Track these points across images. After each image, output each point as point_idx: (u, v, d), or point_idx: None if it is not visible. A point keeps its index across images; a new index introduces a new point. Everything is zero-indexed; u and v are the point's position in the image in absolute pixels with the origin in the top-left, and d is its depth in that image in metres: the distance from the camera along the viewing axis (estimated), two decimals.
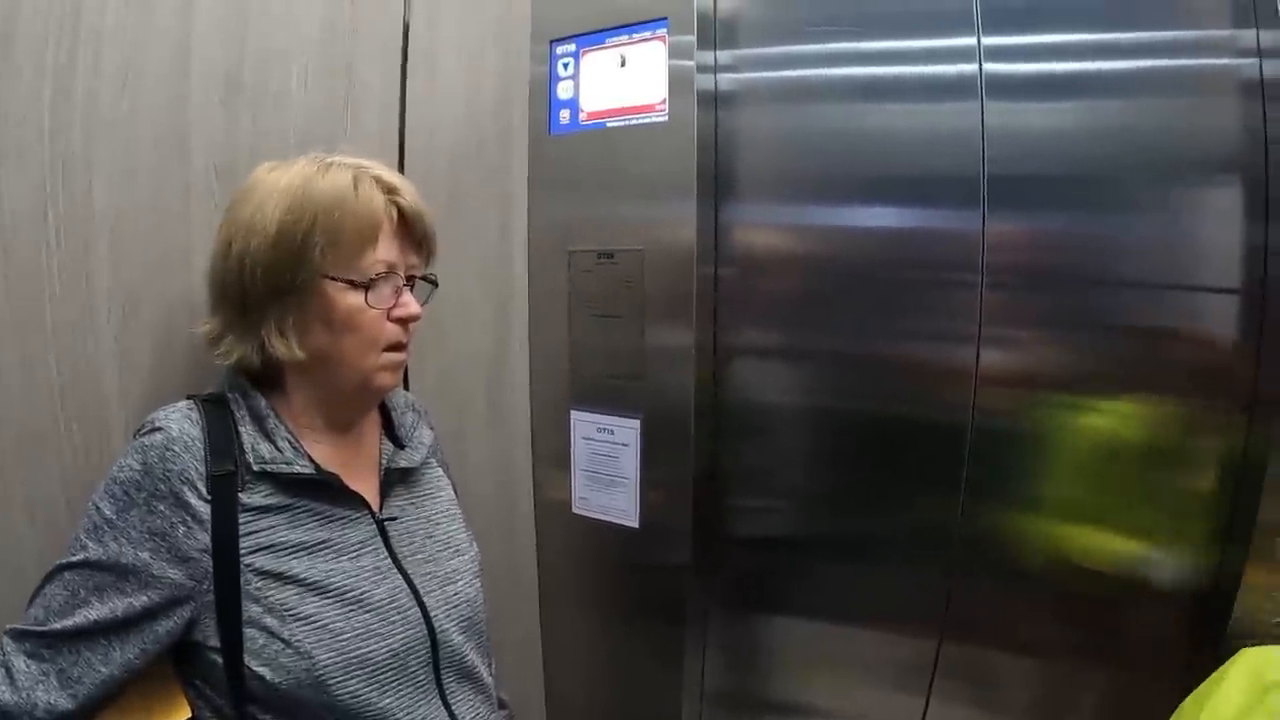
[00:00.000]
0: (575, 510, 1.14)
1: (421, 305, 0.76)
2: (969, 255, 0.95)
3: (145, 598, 0.62)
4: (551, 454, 1.15)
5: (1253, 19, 0.91)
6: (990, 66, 0.96)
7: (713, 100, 1.01)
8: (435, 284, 0.80)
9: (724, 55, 1.03)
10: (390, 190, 0.73)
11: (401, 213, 0.73)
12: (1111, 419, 0.95)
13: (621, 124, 1.05)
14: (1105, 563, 0.98)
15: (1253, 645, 0.74)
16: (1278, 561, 0.89)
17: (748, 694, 1.16)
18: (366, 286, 0.70)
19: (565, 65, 1.11)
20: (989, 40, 0.96)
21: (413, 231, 0.74)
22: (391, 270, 0.72)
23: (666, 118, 1.01)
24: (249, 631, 0.64)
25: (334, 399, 0.74)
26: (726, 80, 1.03)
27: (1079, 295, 0.95)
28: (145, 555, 0.62)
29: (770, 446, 1.06)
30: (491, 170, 1.15)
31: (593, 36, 1.09)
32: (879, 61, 1.00)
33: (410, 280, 0.75)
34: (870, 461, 1.03)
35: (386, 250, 0.71)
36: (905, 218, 0.99)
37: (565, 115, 1.10)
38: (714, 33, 1.02)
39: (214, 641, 0.65)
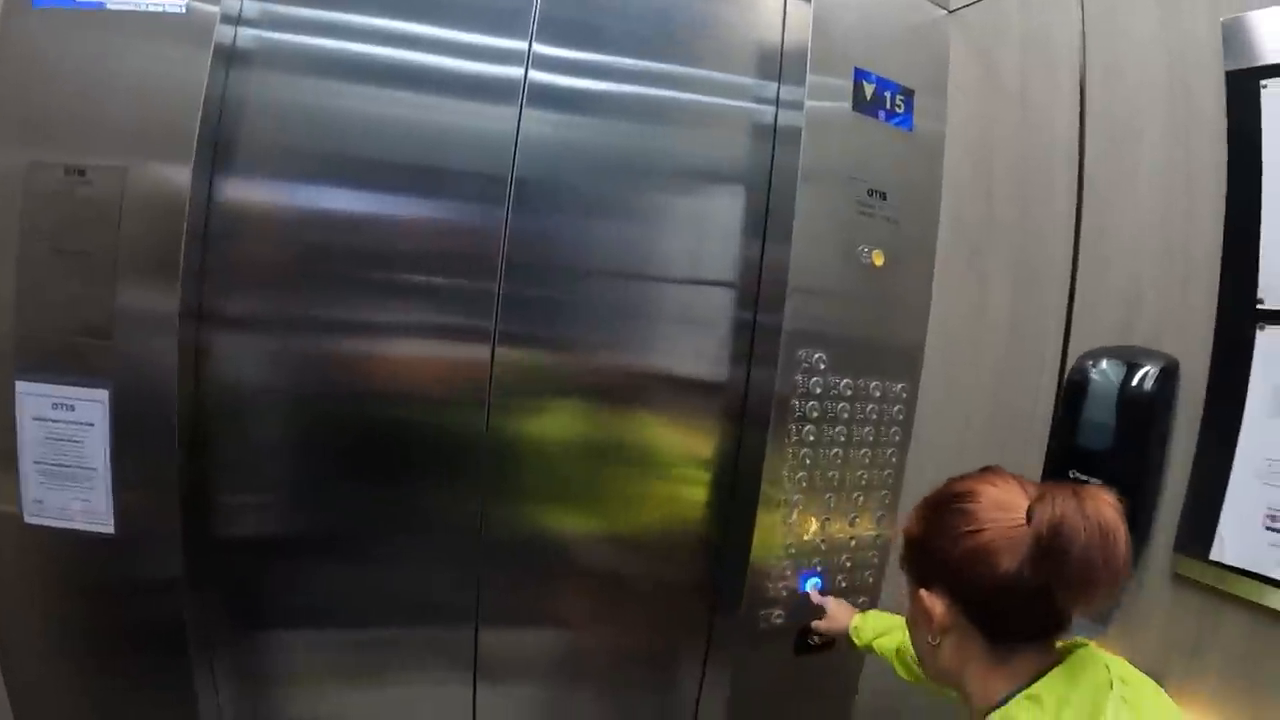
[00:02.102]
0: (29, 519, 0.84)
1: None
2: (489, 252, 0.93)
3: None
4: None
5: (776, 73, 1.04)
6: (536, 75, 0.96)
7: (228, 54, 0.85)
8: None
9: (250, 6, 0.88)
10: None
11: None
12: (617, 407, 1.01)
13: (128, 6, 0.81)
14: (622, 537, 1.04)
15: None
16: (785, 508, 1.01)
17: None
18: None
19: None
20: (540, 49, 0.96)
21: None
22: None
23: (184, 8, 0.81)
24: None
25: None
26: (248, 36, 0.88)
27: (599, 292, 0.99)
28: None
29: (272, 436, 0.92)
30: None
31: None
32: (425, 48, 0.94)
33: None
34: (385, 457, 0.95)
35: None
36: (424, 208, 0.93)
37: None
38: None
39: None
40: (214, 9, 0.82)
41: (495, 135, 0.93)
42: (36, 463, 0.83)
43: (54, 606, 0.88)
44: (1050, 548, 0.57)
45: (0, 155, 0.81)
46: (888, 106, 1.07)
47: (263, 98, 0.87)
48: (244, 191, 0.87)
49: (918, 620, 0.68)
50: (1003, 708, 0.61)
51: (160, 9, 0.82)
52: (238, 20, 0.86)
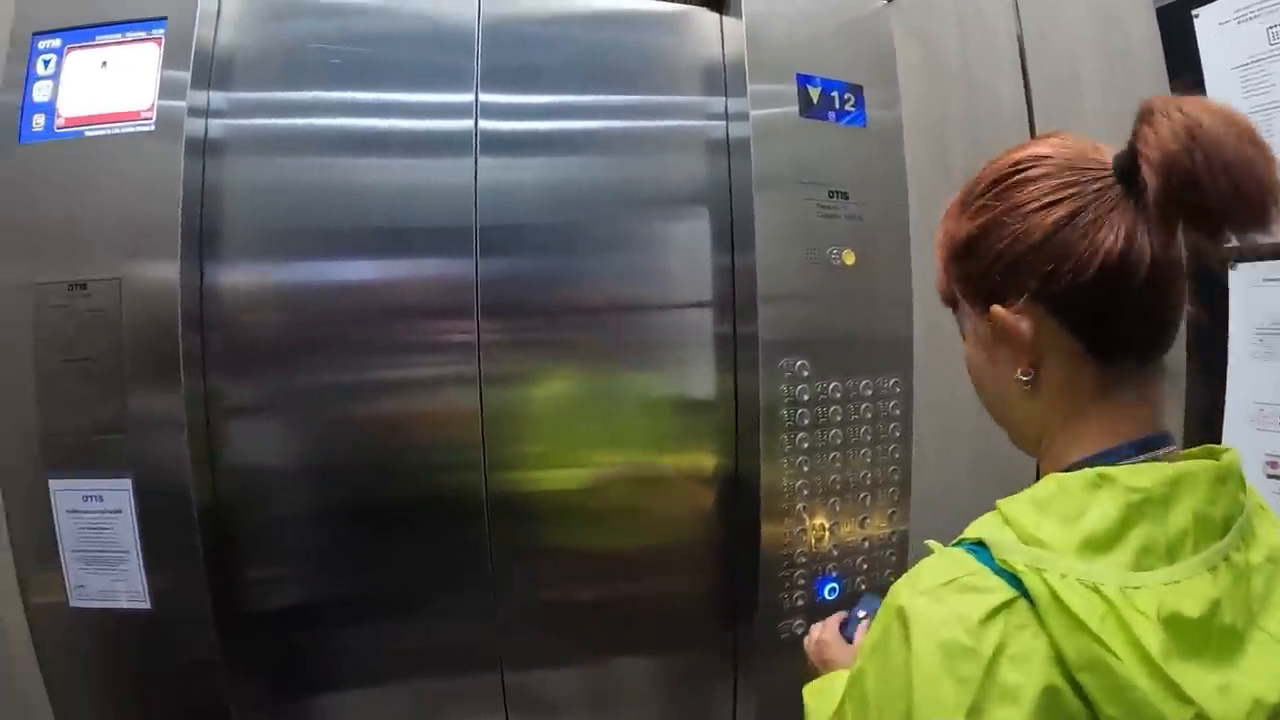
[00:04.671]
0: (74, 603, 0.91)
1: None
2: (464, 302, 0.97)
3: None
4: (34, 538, 0.90)
5: (722, 88, 1.07)
6: (486, 124, 1.00)
7: (201, 148, 0.92)
8: None
9: (217, 98, 0.95)
10: None
11: None
12: (610, 436, 1.02)
13: (102, 132, 0.90)
14: (635, 565, 1.05)
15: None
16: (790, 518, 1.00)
17: None
18: None
19: (46, 63, 0.92)
20: (486, 98, 1.00)
21: None
22: None
23: (153, 126, 0.89)
24: None
25: None
26: (218, 126, 0.95)
27: (577, 326, 1.01)
28: None
29: (287, 507, 0.96)
30: None
31: (82, 32, 0.93)
32: (380, 113, 0.99)
33: None
34: (395, 514, 0.98)
35: None
36: (400, 269, 0.97)
37: (40, 121, 0.91)
38: (209, 73, 0.94)
39: None
40: (181, 104, 0.89)
41: (456, 187, 0.97)
42: (74, 551, 0.90)
43: (102, 686, 0.94)
44: (1183, 160, 0.40)
45: (7, 278, 0.89)
46: (837, 107, 1.08)
47: (237, 182, 0.94)
48: (233, 275, 0.93)
49: (995, 354, 0.51)
50: (1064, 475, 0.46)
51: (133, 129, 0.90)
52: (206, 113, 0.93)
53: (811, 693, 0.73)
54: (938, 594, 0.43)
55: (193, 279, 0.90)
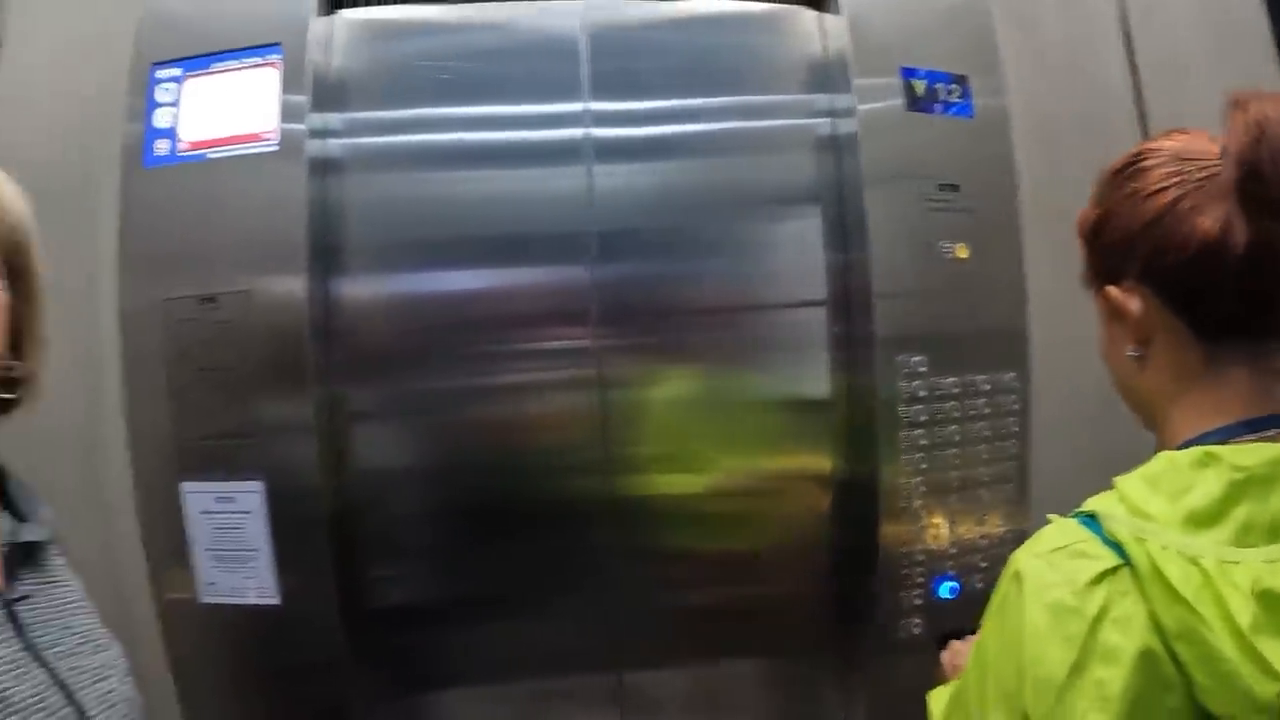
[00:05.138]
0: (205, 600, 0.94)
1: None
2: (582, 307, 0.97)
3: None
4: (166, 539, 0.94)
5: (826, 85, 1.06)
6: (597, 131, 1.01)
7: (321, 168, 0.96)
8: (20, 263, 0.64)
9: (333, 119, 0.99)
10: None
11: None
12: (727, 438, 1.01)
13: (225, 154, 0.93)
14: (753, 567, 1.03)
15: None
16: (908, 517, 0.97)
17: None
18: None
19: (166, 91, 0.97)
20: (596, 106, 1.02)
21: None
22: None
23: (276, 146, 0.92)
24: None
25: None
26: (335, 146, 0.99)
27: (693, 329, 1.01)
28: None
29: (407, 512, 0.99)
30: (76, 209, 0.97)
31: (199, 61, 0.97)
32: (494, 126, 1.01)
33: None
34: (517, 515, 0.99)
35: None
36: (516, 277, 0.99)
37: (163, 146, 0.95)
38: (325, 95, 0.97)
39: None
40: (301, 127, 0.93)
41: (569, 195, 0.99)
42: (207, 550, 0.93)
43: (228, 681, 0.98)
44: (1250, 153, 0.43)
45: (140, 295, 0.94)
46: (943, 98, 1.06)
47: (358, 199, 0.97)
48: (355, 288, 0.96)
49: (1113, 332, 0.56)
50: (1174, 452, 0.48)
51: (255, 150, 0.93)
52: (325, 134, 0.97)
53: (935, 697, 0.75)
54: (1050, 559, 0.48)
55: (318, 291, 0.92)
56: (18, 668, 0.56)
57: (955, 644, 0.88)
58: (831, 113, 1.05)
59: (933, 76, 1.06)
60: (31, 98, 0.94)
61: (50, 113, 0.97)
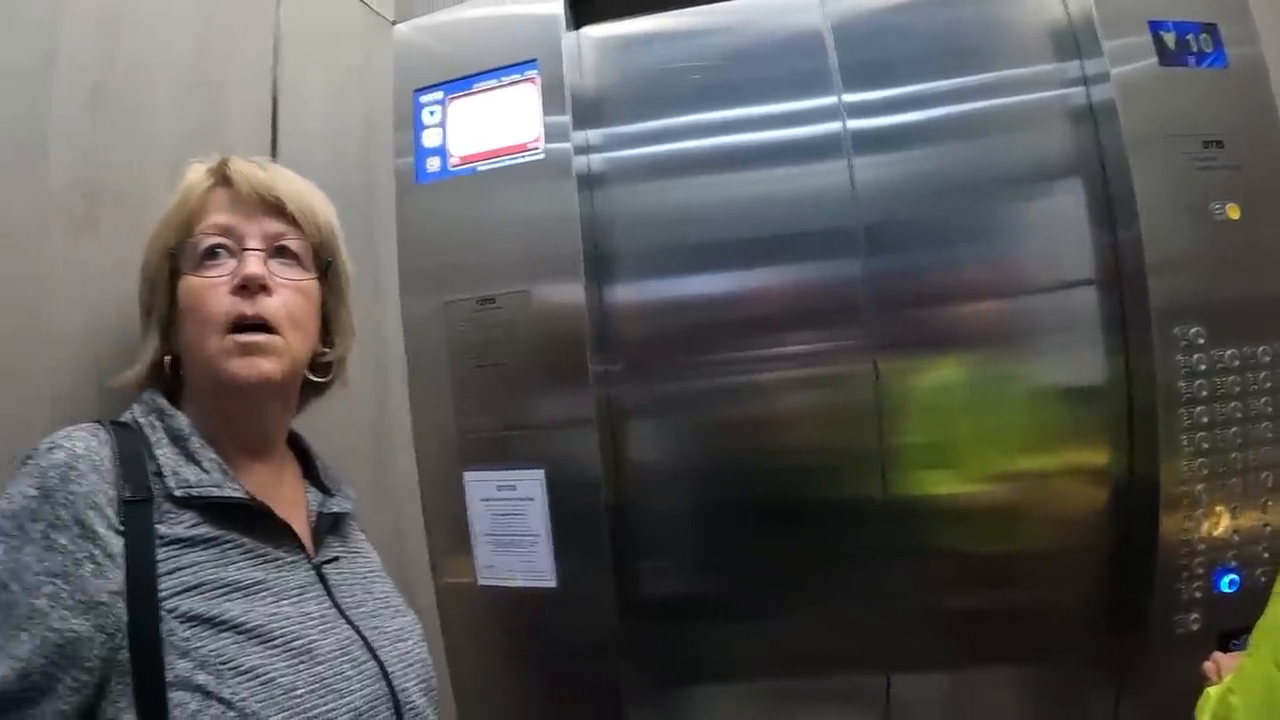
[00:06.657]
0: (482, 582, 1.02)
1: (298, 281, 0.68)
2: (852, 300, 0.98)
3: (41, 661, 0.48)
4: (447, 524, 1.03)
5: (1075, 51, 1.02)
6: (853, 123, 1.01)
7: (586, 181, 1.02)
8: (328, 259, 0.73)
9: (594, 135, 1.05)
10: (220, 164, 0.68)
11: (228, 178, 0.67)
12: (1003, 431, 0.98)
13: (494, 166, 1.02)
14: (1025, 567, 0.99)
15: None
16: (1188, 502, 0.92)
17: None
18: (187, 255, 0.65)
19: (431, 113, 1.07)
20: (849, 97, 1.02)
21: (250, 195, 0.66)
22: (223, 233, 0.65)
23: (541, 155, 0.99)
24: (177, 695, 0.51)
25: (209, 409, 0.65)
26: (598, 161, 1.05)
27: (962, 318, 0.99)
28: (42, 603, 0.49)
29: (681, 503, 1.02)
30: (359, 226, 1.08)
31: (460, 83, 1.07)
32: (748, 128, 1.03)
33: (280, 250, 0.68)
34: (784, 515, 1.00)
35: (217, 217, 0.66)
36: (783, 275, 1.01)
37: (434, 163, 1.05)
38: (582, 111, 1.03)
39: (129, 715, 0.50)
40: (566, 145, 1.00)
41: (833, 189, 1.00)
42: (487, 535, 1.01)
43: (500, 661, 1.05)
44: None
45: (422, 300, 1.04)
46: (1195, 50, 0.99)
47: (622, 209, 1.03)
48: (625, 294, 1.03)
49: None
50: None
51: (523, 160, 1.01)
52: (587, 150, 1.04)
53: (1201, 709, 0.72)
54: None
55: (594, 297, 0.99)
56: (325, 623, 0.63)
57: (1219, 656, 0.82)
58: (1084, 79, 1.00)
59: (1182, 28, 0.99)
60: (308, 129, 1.05)
61: (325, 138, 1.08)
